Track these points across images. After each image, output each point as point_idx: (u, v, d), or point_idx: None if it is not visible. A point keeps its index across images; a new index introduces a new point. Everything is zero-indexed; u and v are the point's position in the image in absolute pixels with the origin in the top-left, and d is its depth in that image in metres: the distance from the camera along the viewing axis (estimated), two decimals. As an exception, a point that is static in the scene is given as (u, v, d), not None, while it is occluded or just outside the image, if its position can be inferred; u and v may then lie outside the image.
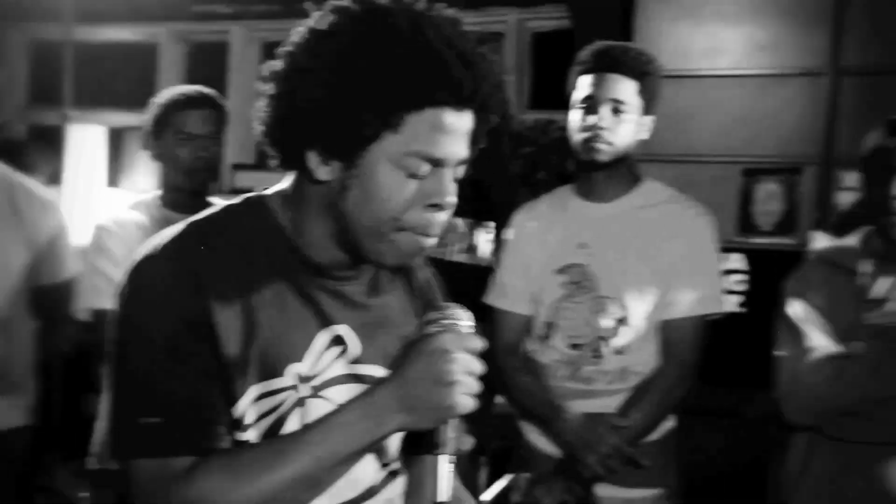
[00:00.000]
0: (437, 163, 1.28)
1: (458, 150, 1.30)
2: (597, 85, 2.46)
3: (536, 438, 2.54)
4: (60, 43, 4.02)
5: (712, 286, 2.47)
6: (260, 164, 4.81)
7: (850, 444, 2.25)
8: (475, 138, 1.33)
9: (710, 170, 4.40)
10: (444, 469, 1.28)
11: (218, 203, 1.44)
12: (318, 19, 1.30)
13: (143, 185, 7.28)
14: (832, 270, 2.35)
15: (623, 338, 2.44)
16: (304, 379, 1.33)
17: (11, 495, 2.69)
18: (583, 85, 2.49)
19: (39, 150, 4.35)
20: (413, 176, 1.28)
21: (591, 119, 2.45)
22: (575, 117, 2.51)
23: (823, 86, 4.30)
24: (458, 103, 1.27)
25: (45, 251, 2.71)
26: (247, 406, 1.29)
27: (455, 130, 1.28)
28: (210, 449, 1.25)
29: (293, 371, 1.32)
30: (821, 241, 2.49)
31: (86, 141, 4.83)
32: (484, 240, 2.76)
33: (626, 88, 2.45)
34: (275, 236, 1.35)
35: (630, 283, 2.45)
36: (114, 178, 6.41)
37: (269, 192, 1.39)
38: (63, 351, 2.90)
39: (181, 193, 2.66)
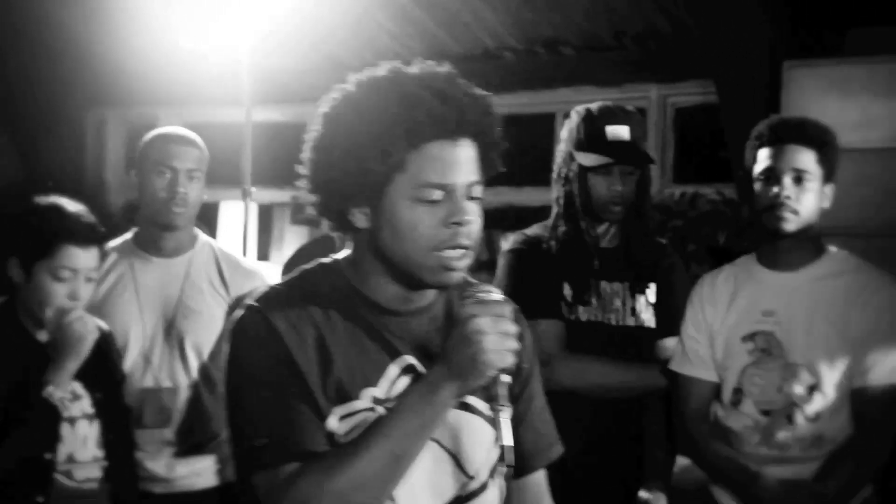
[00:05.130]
0: (446, 188, 1.51)
1: (462, 174, 1.52)
2: (777, 156, 2.51)
3: (728, 502, 2.55)
4: (238, 124, 4.25)
5: (909, 354, 2.46)
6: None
7: None
8: (486, 162, 1.56)
9: (864, 242, 4.37)
10: (502, 418, 1.49)
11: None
12: (324, 102, 1.58)
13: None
14: None
15: (816, 405, 2.45)
16: (381, 401, 1.55)
17: None
18: (762, 158, 2.55)
19: None
20: (427, 203, 1.50)
21: (775, 189, 2.50)
22: (757, 189, 2.55)
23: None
24: (447, 134, 1.50)
25: None
26: (335, 425, 1.52)
27: (454, 158, 1.51)
28: (309, 455, 1.48)
29: (369, 395, 1.55)
30: None
31: (238, 216, 5.03)
32: (643, 303, 2.82)
33: (806, 158, 2.50)
34: (344, 288, 1.59)
35: (820, 351, 2.46)
36: (263, 252, 6.66)
37: (337, 256, 1.65)
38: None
39: None
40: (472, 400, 1.60)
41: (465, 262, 1.54)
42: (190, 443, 2.81)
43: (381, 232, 1.54)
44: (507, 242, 2.88)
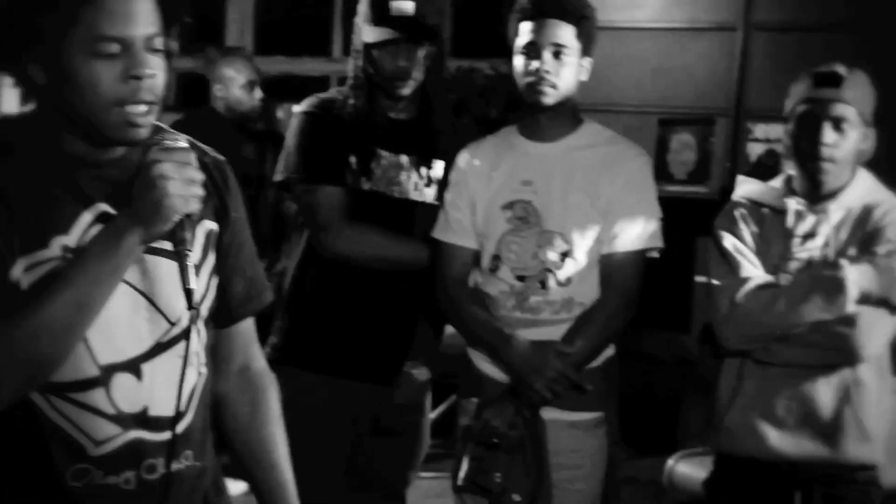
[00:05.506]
0: (123, 41, 1.46)
1: (140, 26, 1.48)
2: (537, 31, 2.57)
3: (484, 365, 2.66)
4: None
5: (651, 223, 2.61)
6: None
7: (777, 368, 2.44)
8: (167, 13, 1.52)
9: (626, 119, 4.57)
10: (187, 262, 1.52)
11: None
12: None
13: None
14: (759, 209, 2.54)
15: (567, 270, 2.57)
16: (72, 251, 1.51)
17: None
18: (523, 31, 2.60)
19: None
20: (105, 57, 1.46)
21: (535, 64, 2.56)
22: (518, 62, 2.61)
23: (736, 40, 4.49)
24: None
25: None
26: (20, 276, 1.48)
27: (129, 9, 1.47)
28: None
29: (59, 243, 1.51)
30: (746, 184, 2.67)
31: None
32: (427, 178, 2.85)
33: (565, 32, 2.57)
34: (32, 141, 1.54)
35: (573, 219, 2.57)
36: None
37: (24, 110, 1.60)
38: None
39: None
40: (168, 245, 1.58)
41: (150, 117, 1.52)
42: None
43: (60, 88, 1.49)
44: (301, 105, 2.84)
